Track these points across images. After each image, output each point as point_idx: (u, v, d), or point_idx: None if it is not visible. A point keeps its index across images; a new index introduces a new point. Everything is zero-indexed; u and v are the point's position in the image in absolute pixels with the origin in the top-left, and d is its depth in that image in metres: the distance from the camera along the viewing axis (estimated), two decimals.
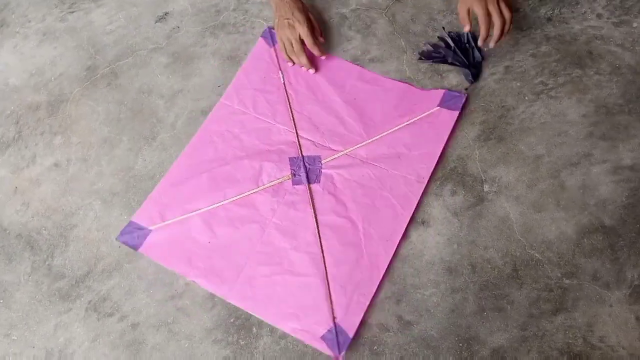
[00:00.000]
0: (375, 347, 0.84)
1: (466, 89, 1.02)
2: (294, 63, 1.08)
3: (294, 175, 0.97)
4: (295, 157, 0.99)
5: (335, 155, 0.99)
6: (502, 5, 0.96)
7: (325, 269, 0.90)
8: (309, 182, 0.97)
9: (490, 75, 1.05)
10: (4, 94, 1.11)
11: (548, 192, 0.94)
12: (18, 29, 1.19)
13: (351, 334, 0.84)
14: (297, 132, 1.02)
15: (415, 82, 1.06)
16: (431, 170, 0.96)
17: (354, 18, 1.14)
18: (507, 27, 0.97)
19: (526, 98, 1.03)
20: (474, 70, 1.05)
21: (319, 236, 0.92)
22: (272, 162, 0.99)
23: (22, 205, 0.99)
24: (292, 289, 0.89)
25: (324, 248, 0.91)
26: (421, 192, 0.94)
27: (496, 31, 0.96)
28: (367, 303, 0.87)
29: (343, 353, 0.83)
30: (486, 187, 0.95)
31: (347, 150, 0.99)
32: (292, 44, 1.05)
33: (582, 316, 0.85)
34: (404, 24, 1.13)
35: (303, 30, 1.03)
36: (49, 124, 1.06)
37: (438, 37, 1.10)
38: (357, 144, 0.99)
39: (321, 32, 1.10)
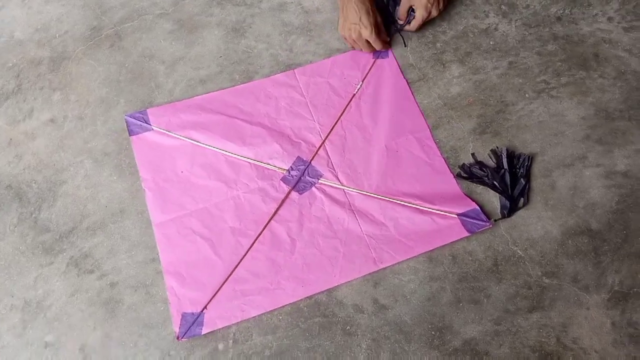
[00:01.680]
0: (348, 327, 0.85)
1: (496, 220, 0.91)
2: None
3: (289, 172, 0.96)
4: (303, 160, 0.97)
5: (334, 184, 0.95)
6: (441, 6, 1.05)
7: (237, 266, 0.89)
8: (293, 188, 0.95)
9: (493, 69, 1.04)
10: (8, 46, 1.11)
11: (537, 191, 0.93)
12: None
13: (203, 332, 0.84)
14: (324, 142, 0.99)
15: (417, 69, 1.05)
16: (395, 262, 0.88)
17: None
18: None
19: (527, 95, 1.02)
20: (514, 204, 0.92)
21: (257, 236, 0.91)
22: (283, 149, 0.97)
23: (15, 157, 0.99)
24: (201, 259, 0.89)
25: (252, 248, 0.90)
26: (367, 273, 0.88)
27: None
28: (239, 319, 0.85)
29: (183, 340, 0.84)
30: (475, 180, 0.94)
31: (346, 188, 0.94)
32: (356, 43, 1.05)
33: (558, 316, 0.84)
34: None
35: (371, 37, 1.01)
36: (49, 80, 1.07)
37: (490, 151, 0.97)
38: (359, 189, 0.94)
39: (386, 33, 1.07)
